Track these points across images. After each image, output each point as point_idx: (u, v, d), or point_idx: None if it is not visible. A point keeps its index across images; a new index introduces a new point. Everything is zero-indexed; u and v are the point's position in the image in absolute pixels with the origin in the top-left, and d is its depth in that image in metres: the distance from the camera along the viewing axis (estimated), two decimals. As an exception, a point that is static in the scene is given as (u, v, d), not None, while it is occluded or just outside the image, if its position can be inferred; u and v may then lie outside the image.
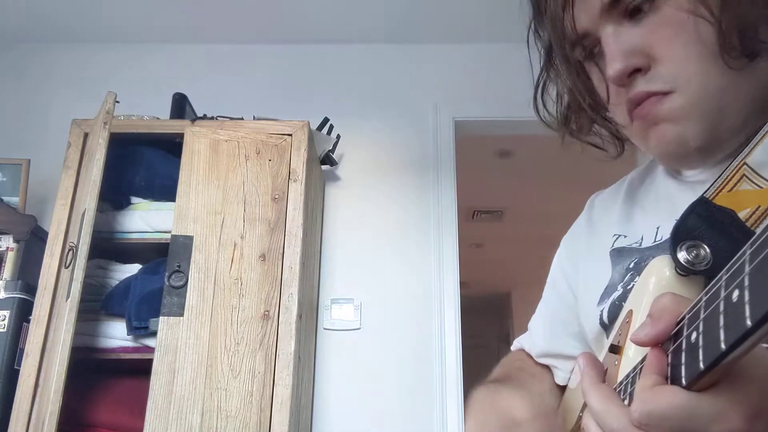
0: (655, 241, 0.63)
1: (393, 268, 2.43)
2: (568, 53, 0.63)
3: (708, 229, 0.49)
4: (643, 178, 0.72)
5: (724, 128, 0.56)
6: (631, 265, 0.63)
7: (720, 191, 0.51)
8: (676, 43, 0.55)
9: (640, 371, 0.42)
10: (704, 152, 0.57)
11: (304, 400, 2.07)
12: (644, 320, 0.41)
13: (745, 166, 0.50)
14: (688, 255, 0.48)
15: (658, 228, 0.63)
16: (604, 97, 0.63)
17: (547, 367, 0.79)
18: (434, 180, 2.54)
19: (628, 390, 0.45)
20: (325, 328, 2.33)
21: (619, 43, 0.57)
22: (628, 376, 0.46)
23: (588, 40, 0.61)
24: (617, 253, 0.67)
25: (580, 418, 0.61)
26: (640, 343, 0.41)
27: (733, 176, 0.51)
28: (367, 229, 2.48)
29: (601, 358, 0.61)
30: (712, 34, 0.54)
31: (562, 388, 0.76)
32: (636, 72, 0.57)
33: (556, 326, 0.78)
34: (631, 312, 0.55)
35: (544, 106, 0.72)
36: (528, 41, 0.70)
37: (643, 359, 0.44)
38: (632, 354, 0.53)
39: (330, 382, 2.27)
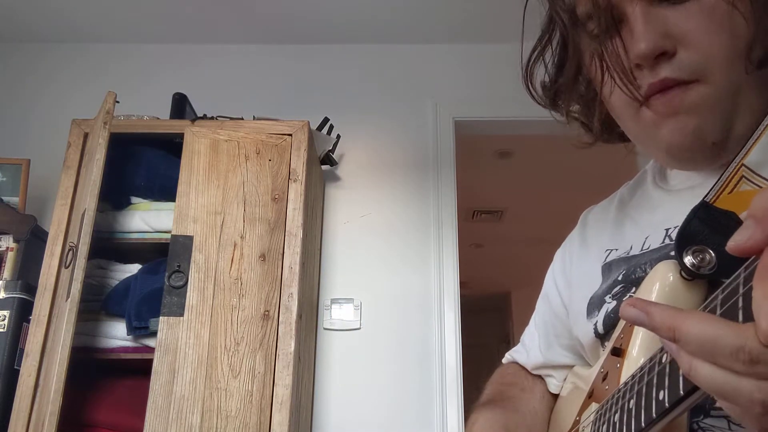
0: (642, 250, 0.62)
1: (393, 268, 2.42)
2: (579, 25, 0.61)
3: (711, 233, 0.49)
4: (634, 191, 0.72)
5: (737, 128, 0.55)
6: (620, 277, 0.63)
7: (720, 194, 0.51)
8: (709, 31, 0.54)
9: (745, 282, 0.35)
10: (717, 149, 0.56)
11: (304, 400, 2.07)
12: (743, 224, 0.35)
13: (743, 167, 0.50)
14: (694, 259, 0.48)
15: (646, 238, 0.63)
16: (599, 80, 0.60)
17: (539, 377, 0.80)
18: (434, 180, 2.54)
19: (646, 378, 0.44)
20: (325, 328, 2.33)
21: (649, 22, 0.55)
22: (643, 367, 0.45)
23: (608, 15, 0.57)
24: (608, 268, 0.67)
25: (577, 422, 0.61)
26: (745, 248, 0.34)
27: (732, 178, 0.51)
28: (367, 229, 2.48)
29: (599, 365, 0.61)
30: (744, 31, 0.54)
31: (555, 396, 0.77)
32: (660, 56, 0.55)
33: (550, 338, 0.79)
34: None
35: (533, 85, 0.70)
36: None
37: (651, 358, 0.44)
38: (636, 354, 0.53)
39: (330, 382, 2.27)
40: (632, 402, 0.45)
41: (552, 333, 0.78)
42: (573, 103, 0.68)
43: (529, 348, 0.82)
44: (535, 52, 0.68)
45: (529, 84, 0.69)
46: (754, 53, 0.53)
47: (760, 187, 0.48)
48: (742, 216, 0.48)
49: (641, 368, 0.46)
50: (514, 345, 0.88)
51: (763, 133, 0.50)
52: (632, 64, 0.56)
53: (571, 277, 0.76)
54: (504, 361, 0.88)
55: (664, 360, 0.41)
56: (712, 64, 0.54)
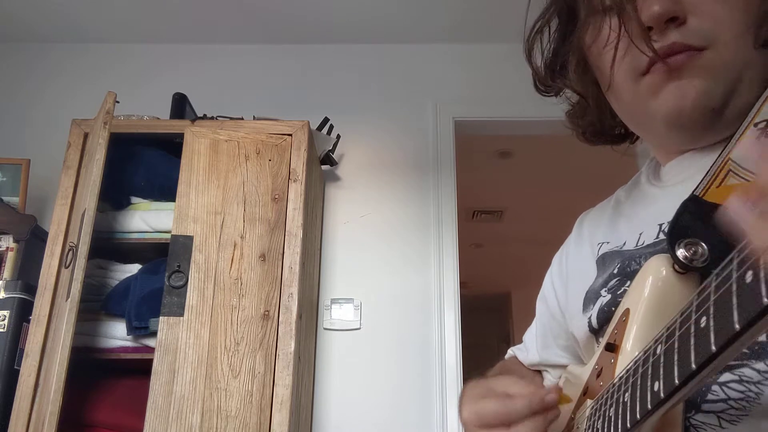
0: (636, 246, 0.63)
1: (393, 268, 2.42)
2: None
3: (702, 226, 0.49)
4: (630, 192, 0.73)
5: (737, 101, 0.56)
6: (615, 270, 0.63)
7: (709, 187, 0.51)
8: (724, 3, 0.55)
9: None
10: (715, 118, 0.57)
11: (304, 400, 2.07)
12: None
13: (730, 161, 0.51)
14: (687, 252, 0.48)
15: (641, 234, 0.63)
16: (602, 46, 0.61)
17: (538, 372, 0.82)
18: (434, 180, 2.54)
19: (640, 370, 0.44)
20: (325, 328, 2.33)
21: None
22: (637, 360, 0.46)
23: None
24: (602, 261, 0.67)
25: (572, 419, 0.61)
26: None
27: (719, 172, 0.51)
28: (367, 229, 2.48)
29: (593, 361, 0.61)
30: (755, 6, 0.54)
31: None
32: (670, 21, 0.56)
33: (547, 339, 0.80)
34: (627, 311, 0.55)
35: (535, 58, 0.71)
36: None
37: (645, 350, 0.44)
38: (630, 349, 0.53)
39: (330, 382, 2.27)
40: (627, 395, 0.45)
41: (549, 334, 0.79)
42: (570, 79, 0.69)
43: (529, 347, 0.84)
44: (538, 24, 0.69)
45: (530, 58, 0.70)
46: (763, 29, 0.54)
47: (748, 180, 0.49)
48: None
49: (635, 361, 0.46)
50: (514, 345, 0.89)
51: (748, 128, 0.50)
52: (644, 27, 0.57)
53: (567, 276, 0.76)
54: (506, 356, 0.89)
55: (658, 351, 0.42)
56: (722, 33, 0.55)
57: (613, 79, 0.63)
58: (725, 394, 0.49)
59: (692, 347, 0.36)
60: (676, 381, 0.38)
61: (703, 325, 0.36)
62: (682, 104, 0.57)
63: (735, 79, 0.56)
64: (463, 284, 2.50)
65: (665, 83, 0.58)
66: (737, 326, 0.32)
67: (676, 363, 0.38)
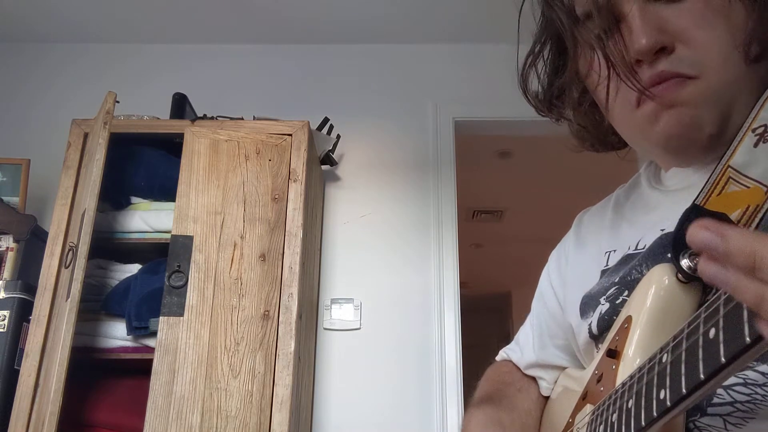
0: (636, 249, 0.63)
1: (393, 268, 2.42)
2: (578, 25, 0.61)
3: None
4: (629, 193, 0.73)
5: (733, 121, 0.56)
6: (617, 279, 0.63)
7: (710, 196, 0.52)
8: (709, 28, 0.55)
9: None
10: (713, 141, 0.57)
11: (304, 400, 2.07)
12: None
13: (729, 169, 0.51)
14: (690, 262, 0.49)
15: (641, 238, 0.63)
16: (596, 81, 0.61)
17: (533, 379, 0.80)
18: (434, 180, 2.54)
19: (645, 378, 0.44)
20: (325, 328, 2.33)
21: (647, 18, 0.56)
22: (642, 368, 0.46)
23: (608, 13, 0.58)
24: (608, 270, 0.67)
25: (570, 424, 0.61)
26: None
27: (720, 180, 0.52)
28: (367, 229, 2.48)
29: (593, 366, 0.61)
30: (743, 23, 0.55)
31: (546, 399, 0.77)
32: (660, 51, 0.56)
33: (544, 338, 0.79)
34: (630, 318, 0.55)
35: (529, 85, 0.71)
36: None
37: (651, 358, 0.44)
38: (632, 355, 0.53)
39: (330, 382, 2.27)
40: (631, 402, 0.45)
41: (546, 333, 0.79)
42: (568, 109, 0.70)
43: (523, 347, 0.83)
44: (530, 58, 0.69)
45: (525, 89, 0.71)
46: (752, 47, 0.54)
47: (748, 187, 0.50)
48: (732, 216, 0.49)
49: (640, 369, 0.46)
50: (512, 346, 0.88)
51: (746, 135, 0.51)
52: (632, 60, 0.57)
53: (567, 277, 0.76)
54: (498, 358, 0.88)
55: (664, 360, 0.42)
56: (709, 60, 0.55)
57: (610, 112, 0.64)
58: (731, 397, 0.50)
59: (701, 358, 0.37)
60: (684, 390, 0.38)
61: (712, 337, 0.36)
62: (680, 131, 0.57)
63: (728, 102, 0.56)
64: (463, 284, 2.50)
65: (660, 112, 0.58)
66: (748, 339, 0.32)
67: (683, 372, 0.39)
